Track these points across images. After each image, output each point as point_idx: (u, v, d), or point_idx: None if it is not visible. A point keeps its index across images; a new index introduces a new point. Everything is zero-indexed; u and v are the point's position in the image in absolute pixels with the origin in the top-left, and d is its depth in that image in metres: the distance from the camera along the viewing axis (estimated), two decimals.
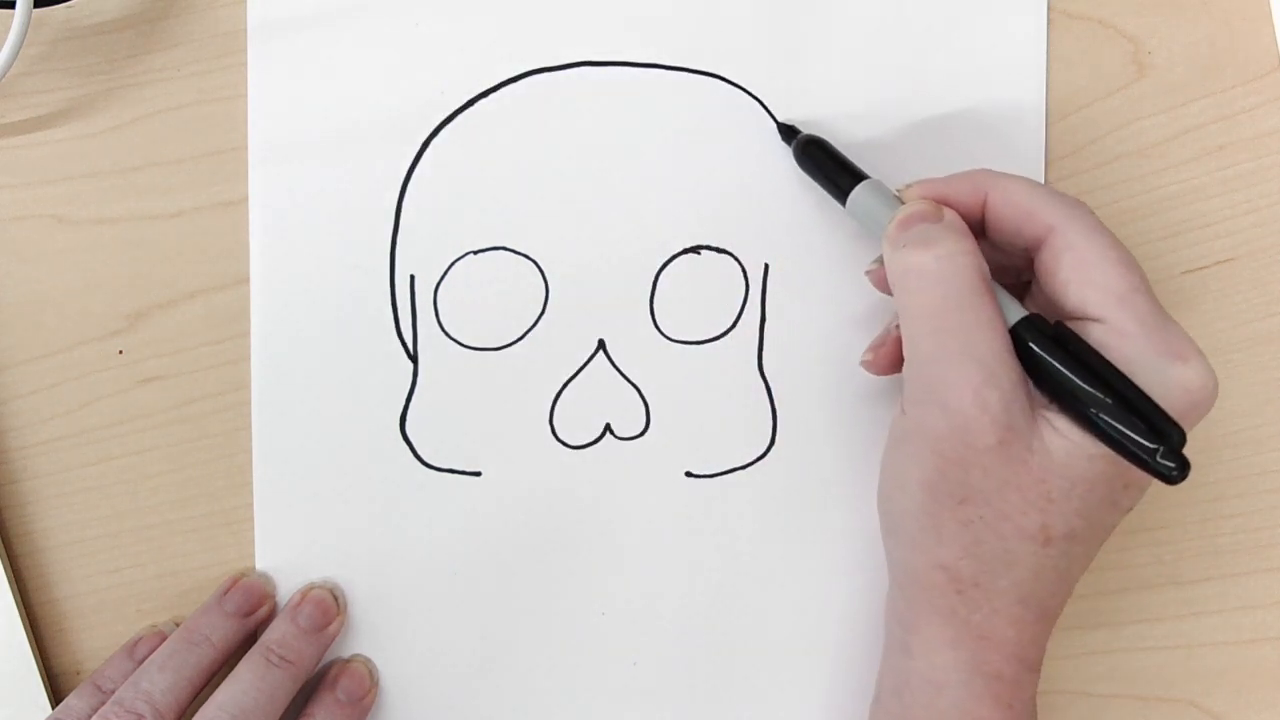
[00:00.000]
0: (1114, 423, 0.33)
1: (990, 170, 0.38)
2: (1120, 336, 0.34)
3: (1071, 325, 0.35)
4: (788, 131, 0.42)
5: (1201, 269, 0.44)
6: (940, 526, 0.35)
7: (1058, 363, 0.34)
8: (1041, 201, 0.36)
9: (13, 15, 0.39)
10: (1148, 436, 0.32)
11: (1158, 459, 0.32)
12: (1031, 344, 0.34)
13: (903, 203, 0.38)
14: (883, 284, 0.38)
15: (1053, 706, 0.44)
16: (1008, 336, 0.34)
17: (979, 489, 0.34)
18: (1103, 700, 0.44)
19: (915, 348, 0.35)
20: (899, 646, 0.38)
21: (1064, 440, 0.34)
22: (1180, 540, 0.44)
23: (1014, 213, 0.36)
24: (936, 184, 0.38)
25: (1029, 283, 0.39)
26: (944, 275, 0.35)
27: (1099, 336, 0.34)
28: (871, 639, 0.43)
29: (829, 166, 0.40)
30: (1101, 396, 0.33)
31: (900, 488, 0.36)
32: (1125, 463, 0.34)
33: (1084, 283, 0.35)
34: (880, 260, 0.38)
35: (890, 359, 0.39)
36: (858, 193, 0.39)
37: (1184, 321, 0.43)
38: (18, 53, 0.39)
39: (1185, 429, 0.33)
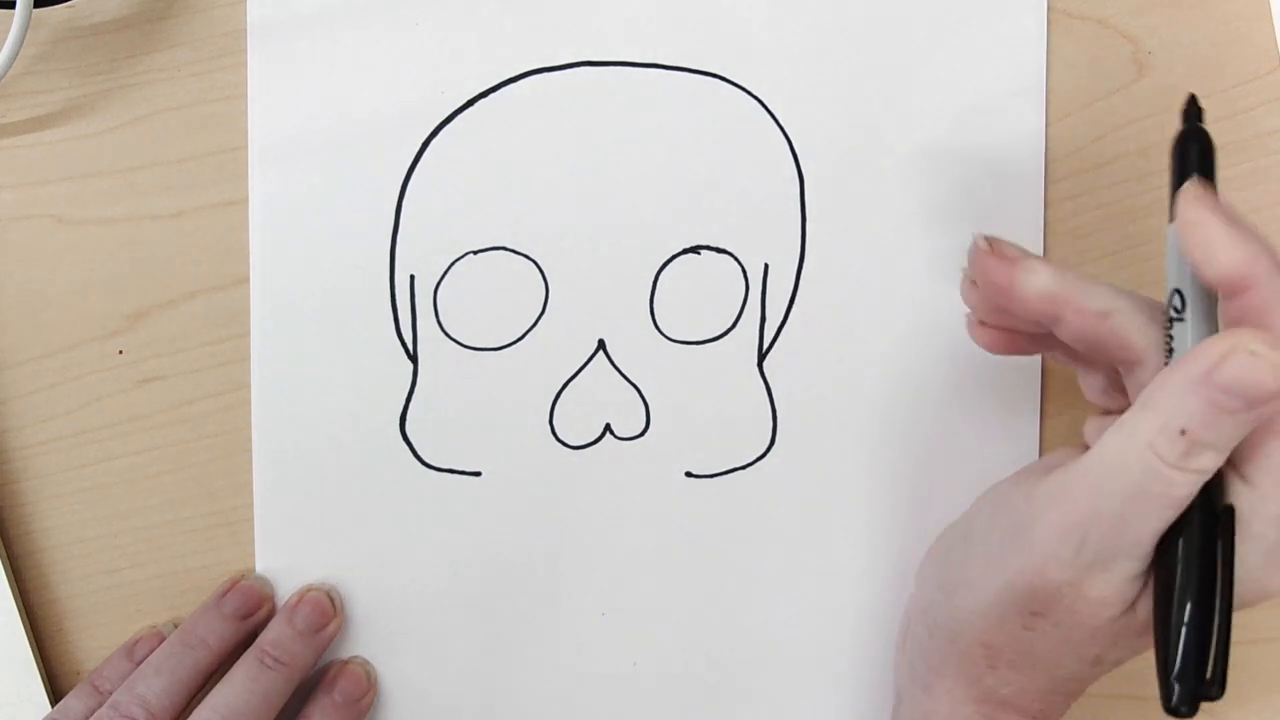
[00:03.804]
0: (1184, 635, 0.31)
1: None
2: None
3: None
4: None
5: None
6: (1003, 618, 0.34)
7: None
8: None
9: (13, 15, 0.39)
10: (1193, 670, 0.31)
11: (1172, 684, 0.31)
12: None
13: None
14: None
15: None
16: None
17: (1059, 620, 0.33)
18: (1103, 700, 0.44)
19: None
20: (920, 683, 0.38)
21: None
22: None
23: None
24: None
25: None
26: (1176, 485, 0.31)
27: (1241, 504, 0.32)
28: (873, 641, 0.43)
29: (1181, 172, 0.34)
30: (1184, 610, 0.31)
31: (984, 574, 0.35)
32: None
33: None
34: (969, 274, 0.37)
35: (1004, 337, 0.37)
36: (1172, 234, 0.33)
37: None
38: (18, 53, 0.39)
39: None
